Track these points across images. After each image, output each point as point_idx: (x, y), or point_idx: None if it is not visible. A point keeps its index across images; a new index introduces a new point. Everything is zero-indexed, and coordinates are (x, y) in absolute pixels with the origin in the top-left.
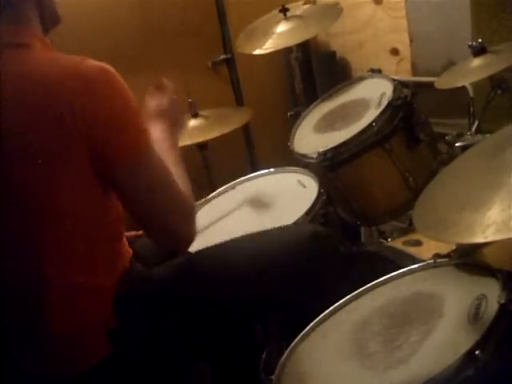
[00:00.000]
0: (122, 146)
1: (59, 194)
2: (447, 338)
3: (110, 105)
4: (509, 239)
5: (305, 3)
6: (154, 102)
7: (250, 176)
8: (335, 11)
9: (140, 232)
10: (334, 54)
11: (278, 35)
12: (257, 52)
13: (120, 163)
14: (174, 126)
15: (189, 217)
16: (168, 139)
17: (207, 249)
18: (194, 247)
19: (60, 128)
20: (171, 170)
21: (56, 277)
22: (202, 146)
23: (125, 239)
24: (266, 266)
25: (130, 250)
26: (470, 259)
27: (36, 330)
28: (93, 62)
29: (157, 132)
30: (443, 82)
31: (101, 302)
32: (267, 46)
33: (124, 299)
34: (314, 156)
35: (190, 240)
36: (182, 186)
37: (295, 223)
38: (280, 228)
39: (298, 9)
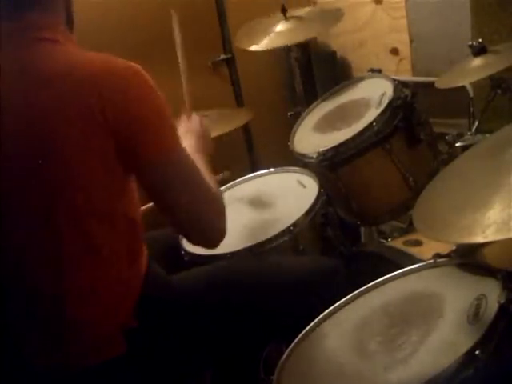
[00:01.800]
0: (151, 144)
1: (91, 185)
2: (447, 337)
3: (140, 102)
4: (509, 239)
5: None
6: (183, 123)
7: (249, 176)
8: (336, 15)
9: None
10: (334, 53)
11: (277, 34)
12: (253, 48)
13: (150, 161)
14: (203, 143)
15: (220, 213)
16: (197, 150)
17: (230, 262)
18: (193, 247)
19: (89, 118)
20: (200, 167)
21: (75, 266)
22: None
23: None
24: (281, 290)
25: (146, 249)
26: (470, 259)
27: (51, 317)
28: (122, 60)
29: (186, 140)
30: (443, 82)
31: (121, 297)
32: (265, 43)
33: (146, 301)
34: (314, 156)
35: (222, 236)
36: (213, 185)
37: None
38: (295, 259)
39: (298, 10)
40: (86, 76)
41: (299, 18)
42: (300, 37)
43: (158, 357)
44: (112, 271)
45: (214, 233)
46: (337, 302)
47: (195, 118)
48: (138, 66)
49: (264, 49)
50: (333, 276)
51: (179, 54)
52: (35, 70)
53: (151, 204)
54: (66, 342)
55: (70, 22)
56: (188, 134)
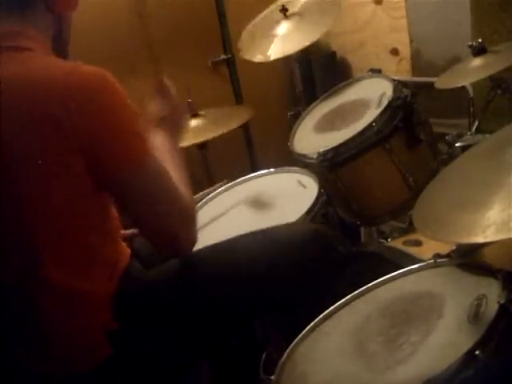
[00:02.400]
0: (120, 153)
1: (54, 196)
2: (447, 337)
3: (107, 111)
4: (509, 239)
5: None
6: (155, 107)
7: (249, 176)
8: (334, 6)
9: (137, 230)
10: (334, 54)
11: (280, 39)
12: (259, 59)
13: (118, 169)
14: (176, 129)
15: (189, 221)
16: (169, 142)
17: (204, 250)
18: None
19: (57, 133)
20: (172, 173)
21: (51, 278)
22: (201, 146)
23: (121, 240)
24: (264, 265)
25: (128, 250)
26: (469, 259)
27: (34, 331)
28: (89, 68)
29: (158, 137)
30: (443, 82)
31: (98, 304)
32: (270, 53)
33: (123, 300)
34: (314, 156)
35: (191, 244)
36: (183, 189)
37: (295, 222)
38: (278, 227)
39: (296, 5)
40: (53, 90)
41: (299, 15)
42: (304, 41)
43: (145, 353)
44: (84, 281)
45: (182, 241)
46: (337, 302)
47: (168, 98)
48: (104, 72)
49: (270, 59)
50: (316, 237)
51: None
52: (2, 84)
53: None
54: (50, 354)
55: (61, 39)
56: (162, 121)
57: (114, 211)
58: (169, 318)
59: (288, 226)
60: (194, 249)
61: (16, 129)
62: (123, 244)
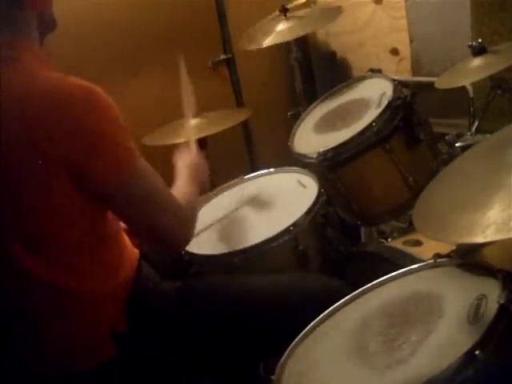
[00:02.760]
0: (105, 165)
1: (47, 211)
2: (447, 337)
3: (89, 125)
4: (509, 239)
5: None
6: (181, 157)
7: (249, 176)
8: (335, 12)
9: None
10: (334, 54)
11: (277, 33)
12: (253, 47)
13: (106, 181)
14: (197, 177)
15: (181, 220)
16: (190, 175)
17: (224, 276)
18: (193, 247)
19: (37, 154)
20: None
21: (55, 280)
22: (201, 146)
23: (128, 241)
24: (275, 306)
25: (136, 251)
26: (469, 259)
27: (38, 329)
28: (73, 82)
29: (182, 173)
30: (443, 82)
31: (101, 304)
32: (264, 42)
33: (135, 305)
34: (314, 156)
35: (182, 244)
36: (182, 198)
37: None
38: (298, 276)
39: (298, 9)
40: (33, 109)
41: (299, 18)
42: (300, 32)
43: (150, 361)
44: (88, 284)
45: (173, 241)
46: (337, 302)
47: (193, 152)
48: (89, 85)
49: (264, 46)
50: (336, 297)
51: (184, 92)
52: None
53: None
54: (53, 353)
55: (44, 30)
56: (184, 167)
57: (113, 219)
58: (177, 330)
59: (317, 279)
60: (194, 249)
61: (8, 136)
62: (129, 245)
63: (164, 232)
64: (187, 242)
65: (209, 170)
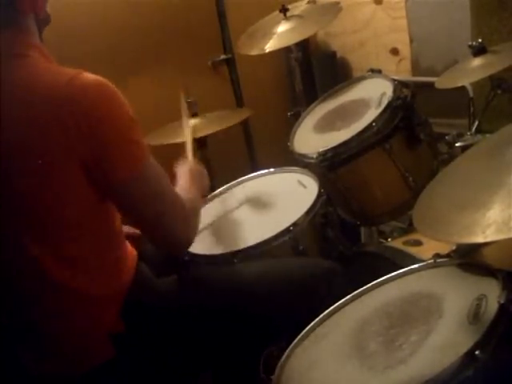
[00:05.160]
0: (119, 158)
1: (57, 201)
2: (447, 338)
3: (106, 121)
4: (509, 239)
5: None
6: (181, 166)
7: (249, 176)
8: (335, 9)
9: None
10: (334, 54)
11: (278, 35)
12: (255, 52)
13: (118, 174)
14: (199, 181)
15: (186, 221)
16: (191, 180)
17: (219, 269)
18: (193, 247)
19: (64, 138)
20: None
21: (55, 280)
22: (201, 145)
23: (127, 243)
24: (269, 293)
25: (135, 251)
26: (469, 259)
27: (36, 330)
28: (90, 75)
29: (183, 179)
30: (443, 82)
31: (101, 305)
32: (267, 47)
33: (132, 306)
34: (314, 156)
35: (187, 243)
36: (186, 199)
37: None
38: (294, 261)
39: (297, 8)
40: (55, 93)
41: (299, 17)
42: (300, 35)
43: (148, 360)
44: (88, 284)
45: (179, 240)
46: (337, 302)
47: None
48: (104, 80)
49: (266, 51)
50: (330, 277)
51: (185, 124)
52: (5, 91)
53: None
54: (51, 354)
55: (40, 25)
56: (185, 173)
57: (116, 214)
58: (174, 328)
59: (310, 261)
60: (195, 249)
61: (20, 132)
62: (128, 246)
63: (170, 230)
64: (190, 242)
65: (208, 175)
